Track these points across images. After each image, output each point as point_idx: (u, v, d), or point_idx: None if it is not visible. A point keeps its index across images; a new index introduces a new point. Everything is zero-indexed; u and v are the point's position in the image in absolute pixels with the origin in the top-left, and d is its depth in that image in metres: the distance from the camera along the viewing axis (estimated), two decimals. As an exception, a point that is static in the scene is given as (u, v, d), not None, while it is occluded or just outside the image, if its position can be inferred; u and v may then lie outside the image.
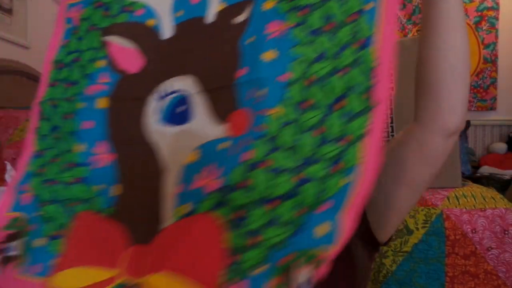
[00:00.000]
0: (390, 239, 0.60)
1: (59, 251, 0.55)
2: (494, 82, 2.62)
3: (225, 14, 0.56)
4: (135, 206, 0.53)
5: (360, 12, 0.45)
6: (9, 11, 1.79)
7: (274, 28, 0.49)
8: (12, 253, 0.58)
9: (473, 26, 2.61)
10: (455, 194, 0.84)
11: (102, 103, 0.59)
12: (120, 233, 0.51)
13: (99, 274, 0.50)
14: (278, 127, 0.44)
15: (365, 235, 0.56)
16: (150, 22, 0.61)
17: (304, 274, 0.39)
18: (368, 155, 0.41)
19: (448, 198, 0.83)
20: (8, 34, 1.77)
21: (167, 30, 0.60)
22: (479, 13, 2.61)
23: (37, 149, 0.63)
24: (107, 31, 0.63)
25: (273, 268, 0.42)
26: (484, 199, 0.83)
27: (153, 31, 0.61)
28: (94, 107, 0.60)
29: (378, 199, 0.54)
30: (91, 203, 0.56)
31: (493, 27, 2.60)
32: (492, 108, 2.66)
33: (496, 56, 2.60)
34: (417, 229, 0.83)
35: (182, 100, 0.54)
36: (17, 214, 0.61)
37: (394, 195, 0.55)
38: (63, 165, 0.60)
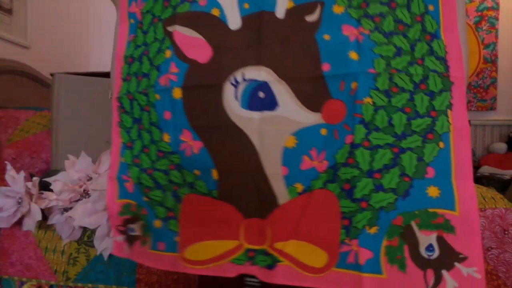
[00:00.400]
0: None
1: (177, 230, 0.62)
2: (494, 82, 2.62)
3: (296, 12, 0.58)
4: (238, 187, 0.58)
5: (424, 13, 0.53)
6: (9, 11, 1.79)
7: (349, 31, 0.54)
8: (134, 233, 0.66)
9: (473, 26, 2.61)
10: (455, 194, 0.84)
11: (176, 93, 0.60)
12: (232, 211, 0.58)
13: (225, 244, 0.58)
14: (372, 113, 0.51)
15: None
16: (215, 12, 0.60)
17: (429, 237, 0.45)
18: (454, 123, 0.49)
19: (448, 198, 0.83)
20: (8, 34, 1.77)
21: (234, 21, 0.60)
22: (479, 13, 2.61)
23: (124, 141, 0.67)
24: (170, 21, 0.63)
25: (385, 230, 0.50)
26: (484, 199, 0.82)
27: (220, 21, 0.60)
28: (169, 97, 0.61)
29: None
30: (195, 187, 0.61)
31: (493, 27, 2.59)
32: (492, 108, 2.65)
33: (496, 56, 2.60)
34: (417, 229, 0.83)
35: (260, 87, 0.56)
36: (126, 201, 0.67)
37: None
38: (154, 154, 0.64)
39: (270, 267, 0.56)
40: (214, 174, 0.58)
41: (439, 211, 0.47)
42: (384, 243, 0.50)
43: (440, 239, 0.46)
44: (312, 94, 0.54)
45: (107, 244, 0.81)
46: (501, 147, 2.58)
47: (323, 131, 0.53)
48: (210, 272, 0.58)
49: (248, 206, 0.57)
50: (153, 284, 0.83)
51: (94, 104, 1.00)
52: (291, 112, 0.54)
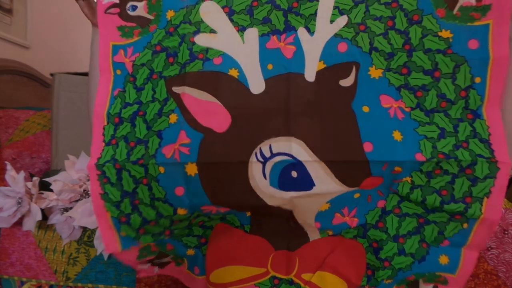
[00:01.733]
0: None
1: (206, 254, 0.61)
2: (494, 82, 2.62)
3: (329, 75, 0.51)
4: (271, 225, 0.57)
5: (470, 87, 0.49)
6: (9, 11, 1.79)
7: (389, 103, 0.50)
8: (164, 260, 0.62)
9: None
10: (455, 194, 0.84)
11: (190, 170, 0.51)
12: (263, 243, 0.57)
13: (251, 270, 0.58)
14: (407, 192, 0.51)
15: None
16: (233, 72, 0.52)
17: (429, 286, 0.54)
18: (487, 214, 0.49)
19: (448, 198, 0.83)
20: (8, 34, 1.76)
21: (257, 84, 0.52)
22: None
23: (113, 216, 0.55)
24: (177, 81, 0.53)
25: (397, 281, 0.55)
26: (484, 199, 0.82)
27: (240, 84, 0.52)
28: (181, 173, 0.52)
29: None
30: (227, 218, 0.59)
31: (493, 27, 2.60)
32: (492, 108, 2.66)
33: (496, 56, 2.60)
34: (417, 229, 0.83)
35: (292, 166, 0.50)
36: (140, 245, 0.57)
37: None
38: (168, 223, 0.55)
39: None
40: (247, 212, 0.58)
41: (443, 274, 0.53)
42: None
43: None
44: (353, 175, 0.51)
45: (107, 244, 0.81)
46: (501, 147, 2.58)
47: (356, 195, 0.53)
48: None
49: (279, 240, 0.57)
50: (153, 284, 0.83)
51: (94, 104, 1.00)
52: (328, 188, 0.51)
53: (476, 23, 0.49)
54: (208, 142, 0.51)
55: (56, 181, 0.83)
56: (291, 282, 0.56)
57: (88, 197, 0.82)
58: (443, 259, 0.52)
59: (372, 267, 0.56)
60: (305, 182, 0.50)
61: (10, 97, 1.60)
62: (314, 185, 0.50)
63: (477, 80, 0.49)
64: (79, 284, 0.85)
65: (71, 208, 0.82)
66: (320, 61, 0.52)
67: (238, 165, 0.51)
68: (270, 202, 0.52)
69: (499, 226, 0.79)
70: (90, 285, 0.85)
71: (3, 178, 0.87)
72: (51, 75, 1.01)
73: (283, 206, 0.53)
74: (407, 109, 0.50)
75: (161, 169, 0.52)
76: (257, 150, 0.50)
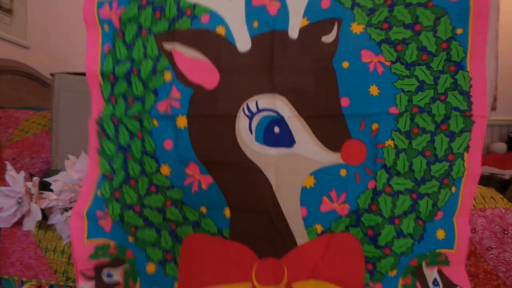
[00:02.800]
0: None
1: (176, 275, 0.55)
2: (494, 82, 2.62)
3: (312, 31, 0.53)
4: (253, 226, 0.54)
5: (451, 38, 0.50)
6: (9, 11, 1.79)
7: (369, 57, 0.51)
8: (110, 279, 0.56)
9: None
10: (455, 194, 0.84)
11: (180, 122, 0.54)
12: (245, 251, 0.54)
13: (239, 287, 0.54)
14: (394, 158, 0.51)
15: None
16: (221, 30, 0.54)
17: (433, 272, 0.52)
18: (469, 168, 0.50)
19: (448, 198, 0.83)
20: (8, 34, 1.77)
21: (243, 42, 0.54)
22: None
23: (103, 171, 0.58)
24: (167, 37, 0.55)
25: (402, 271, 0.52)
26: (484, 199, 0.82)
27: (228, 42, 0.54)
28: (172, 126, 0.54)
29: None
30: (201, 225, 0.55)
31: (493, 27, 2.60)
32: (492, 108, 2.65)
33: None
34: (417, 229, 0.83)
35: (277, 121, 0.52)
36: (100, 240, 0.57)
37: None
38: (145, 188, 0.55)
39: None
40: (226, 212, 0.55)
41: (443, 251, 0.53)
42: (401, 281, 0.53)
43: (440, 273, 0.53)
44: (330, 133, 0.52)
45: (107, 244, 0.80)
46: (501, 147, 2.58)
47: (343, 172, 0.52)
48: None
49: (263, 246, 0.55)
50: (153, 284, 0.83)
51: (94, 104, 1.00)
52: (309, 150, 0.52)
53: None
54: (197, 97, 0.54)
55: (56, 181, 0.83)
56: None
57: (88, 197, 0.82)
58: (440, 234, 0.53)
59: (372, 259, 0.53)
60: (286, 138, 0.52)
61: (10, 97, 1.60)
62: (294, 142, 0.52)
63: (459, 31, 0.50)
64: (79, 284, 0.85)
65: (71, 208, 0.82)
66: (303, 17, 0.53)
67: (226, 118, 0.53)
68: (254, 158, 0.52)
69: (499, 226, 0.79)
70: (90, 285, 0.84)
71: (3, 178, 0.87)
72: (51, 75, 1.01)
73: (267, 170, 0.52)
74: (387, 63, 0.51)
75: (155, 122, 0.55)
76: (244, 105, 0.53)
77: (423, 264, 0.53)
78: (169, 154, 0.54)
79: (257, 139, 0.53)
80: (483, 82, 0.50)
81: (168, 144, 0.54)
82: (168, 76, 0.54)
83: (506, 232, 0.78)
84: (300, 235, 0.54)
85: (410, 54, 0.51)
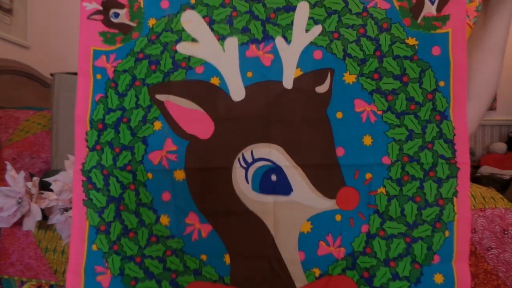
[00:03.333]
0: None
1: None
2: (494, 82, 2.62)
3: (306, 81, 0.55)
4: (253, 271, 0.56)
5: (435, 90, 0.54)
6: (9, 11, 1.79)
7: (362, 107, 0.54)
8: None
9: (473, 26, 2.61)
10: (455, 194, 0.84)
11: (178, 175, 0.55)
12: None
13: None
14: (386, 204, 0.54)
15: None
16: (215, 81, 0.56)
17: None
18: (459, 212, 0.52)
19: (448, 198, 0.83)
20: (8, 34, 1.77)
21: (237, 92, 0.55)
22: (479, 13, 2.61)
23: (93, 224, 0.56)
24: (161, 89, 0.56)
25: None
26: (484, 199, 0.82)
27: (222, 91, 0.55)
28: (169, 179, 0.55)
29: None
30: (203, 274, 0.55)
31: (493, 27, 2.60)
32: (492, 108, 2.65)
33: (496, 56, 2.60)
34: (417, 229, 0.83)
35: (272, 170, 0.54)
36: None
37: (479, 62, 0.61)
38: (145, 239, 0.56)
39: None
40: (226, 258, 0.56)
41: None
42: None
43: None
44: (327, 181, 0.54)
45: (107, 244, 0.81)
46: (501, 147, 2.58)
47: (338, 217, 0.54)
48: None
49: None
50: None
51: (94, 104, 1.00)
52: (306, 197, 0.54)
53: (438, 31, 0.54)
54: (193, 149, 0.55)
55: (56, 181, 0.83)
56: None
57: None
58: (438, 278, 0.53)
59: None
60: (283, 186, 0.54)
61: (10, 97, 1.60)
62: (292, 190, 0.54)
63: (441, 83, 0.54)
64: (79, 284, 0.85)
65: (71, 208, 0.82)
66: (297, 68, 0.55)
67: (222, 170, 0.54)
68: (252, 207, 0.54)
69: (499, 226, 0.79)
70: None
71: (3, 178, 0.87)
72: (51, 75, 1.01)
73: (266, 217, 0.54)
74: (379, 112, 0.54)
75: (149, 175, 0.55)
76: (239, 155, 0.54)
77: None
78: (168, 205, 0.56)
79: (253, 188, 0.54)
80: (465, 131, 0.53)
81: (166, 196, 0.55)
82: (158, 125, 0.56)
83: (506, 232, 0.78)
84: (299, 279, 0.55)
85: (400, 103, 0.54)
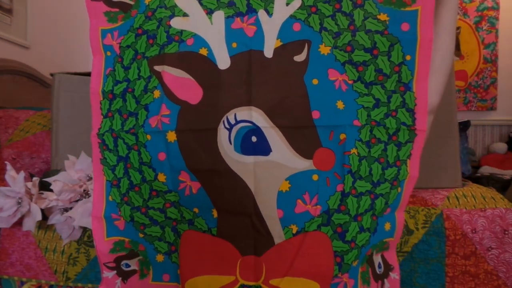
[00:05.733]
0: None
1: (178, 263, 0.64)
2: (494, 82, 2.62)
3: (284, 51, 0.59)
4: (236, 227, 0.61)
5: (402, 63, 0.58)
6: (9, 11, 1.79)
7: (335, 76, 0.59)
8: (128, 268, 0.67)
9: (473, 26, 2.61)
10: (455, 194, 0.84)
11: (170, 137, 0.61)
12: (230, 248, 0.60)
13: (221, 279, 0.61)
14: (357, 164, 0.58)
15: None
16: (203, 51, 0.60)
17: (378, 257, 0.60)
18: (410, 171, 0.59)
19: (448, 198, 0.83)
20: (8, 34, 1.77)
21: (223, 61, 0.59)
22: (479, 13, 2.61)
23: (108, 179, 0.66)
24: (158, 61, 0.62)
25: (361, 260, 0.60)
26: (484, 199, 0.82)
27: (209, 61, 0.60)
28: (163, 140, 0.61)
29: None
30: (195, 224, 0.63)
31: (493, 27, 2.59)
32: (492, 108, 2.65)
33: (496, 56, 2.60)
34: (417, 229, 0.83)
35: (253, 131, 0.58)
36: (117, 238, 0.67)
37: None
38: (147, 193, 0.64)
39: None
40: (214, 212, 0.61)
41: (387, 239, 0.61)
42: (360, 270, 0.60)
43: (382, 257, 0.60)
44: (304, 142, 0.58)
45: (107, 244, 0.81)
46: (501, 147, 2.58)
47: (315, 177, 0.58)
48: None
49: (245, 245, 0.61)
50: (153, 284, 0.83)
51: (94, 104, 1.00)
52: (285, 157, 0.58)
53: (408, 9, 0.57)
54: (184, 112, 0.60)
55: (56, 181, 0.83)
56: None
57: (88, 197, 0.82)
58: (387, 226, 0.60)
59: (340, 253, 0.59)
60: (263, 147, 0.58)
61: (10, 97, 1.60)
62: (271, 150, 0.58)
63: (408, 57, 0.58)
64: (79, 284, 0.85)
65: (71, 208, 0.82)
66: (277, 39, 0.59)
67: (209, 132, 0.59)
68: (234, 167, 0.58)
69: (500, 226, 0.79)
70: (90, 285, 0.85)
71: (3, 178, 0.87)
72: (51, 75, 1.01)
73: (246, 177, 0.58)
74: (350, 82, 0.59)
75: (148, 137, 0.62)
76: (224, 118, 0.58)
77: (374, 253, 0.60)
78: (163, 164, 0.62)
79: (235, 149, 0.58)
80: (425, 102, 0.58)
81: (162, 156, 0.61)
82: (157, 94, 0.61)
83: (506, 232, 0.78)
84: (278, 235, 0.59)
85: (369, 74, 0.58)
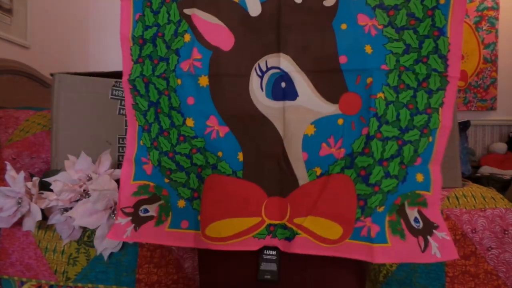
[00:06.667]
0: None
1: (200, 209, 0.64)
2: (494, 82, 2.62)
3: None
4: (262, 168, 0.62)
5: (435, 7, 0.57)
6: (9, 11, 1.79)
7: (365, 21, 0.58)
8: (146, 214, 0.67)
9: (473, 26, 2.61)
10: (455, 194, 0.84)
11: (202, 81, 0.62)
12: (256, 189, 0.62)
13: (248, 221, 0.62)
14: (384, 108, 0.58)
15: None
16: None
17: (414, 211, 0.58)
18: (442, 121, 0.58)
19: (448, 198, 0.83)
20: (8, 34, 1.76)
21: (254, 8, 0.60)
22: (479, 13, 2.61)
23: (140, 124, 0.67)
24: (187, 3, 0.62)
25: (388, 208, 0.59)
26: (484, 199, 0.82)
27: (241, 8, 0.61)
28: (195, 84, 0.62)
29: None
30: (218, 168, 0.64)
31: (493, 27, 2.59)
32: (492, 108, 2.65)
33: (496, 56, 2.59)
34: (417, 229, 0.83)
35: (282, 77, 0.59)
36: (142, 182, 0.67)
37: None
38: (175, 138, 0.65)
39: (289, 239, 0.61)
40: (240, 156, 0.62)
41: (422, 192, 0.59)
42: (387, 218, 0.60)
43: (420, 213, 0.59)
44: (330, 86, 0.58)
45: (107, 244, 0.80)
46: (501, 147, 2.58)
47: (340, 121, 0.59)
48: (233, 247, 0.62)
49: (271, 186, 0.62)
50: (153, 284, 0.83)
51: (94, 104, 1.00)
52: (311, 102, 0.58)
53: None
54: (217, 58, 0.61)
55: (56, 181, 0.83)
56: (284, 226, 0.61)
57: (87, 197, 0.82)
58: (419, 177, 0.59)
59: (363, 196, 0.60)
60: (291, 92, 0.59)
61: (10, 97, 1.60)
62: (297, 95, 0.59)
63: (442, 1, 0.57)
64: (79, 284, 0.85)
65: (71, 208, 0.82)
66: None
67: (241, 77, 0.60)
68: (265, 112, 0.60)
69: (500, 226, 0.79)
70: (90, 285, 0.85)
71: (3, 178, 0.87)
72: (51, 75, 1.01)
73: (276, 121, 0.60)
74: (380, 27, 0.58)
75: (179, 81, 0.62)
76: (256, 65, 0.60)
77: (406, 204, 0.59)
78: (193, 109, 0.63)
79: (267, 95, 0.60)
80: (459, 47, 0.57)
81: (191, 100, 0.62)
82: (187, 37, 0.62)
83: (506, 232, 0.78)
84: (302, 177, 0.61)
85: (401, 19, 0.58)
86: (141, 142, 0.67)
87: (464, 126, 1.61)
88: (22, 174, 0.84)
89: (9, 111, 1.31)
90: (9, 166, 0.87)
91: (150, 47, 0.65)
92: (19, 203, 0.83)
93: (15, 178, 0.85)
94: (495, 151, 2.60)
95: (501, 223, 0.78)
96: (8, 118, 1.26)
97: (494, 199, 0.82)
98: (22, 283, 0.87)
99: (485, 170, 2.28)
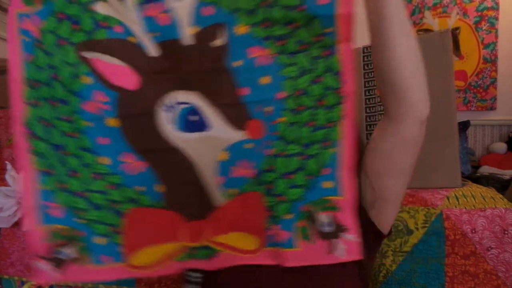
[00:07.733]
0: (391, 232, 0.71)
1: (122, 242, 0.65)
2: (494, 82, 2.61)
3: (201, 37, 0.61)
4: (182, 196, 0.65)
5: (323, 34, 0.59)
6: (9, 11, 1.79)
7: (257, 53, 0.61)
8: (65, 257, 0.65)
9: (473, 26, 2.61)
10: (455, 194, 0.84)
11: (113, 122, 0.62)
12: (176, 217, 0.64)
13: (168, 247, 0.65)
14: (286, 130, 0.62)
15: (369, 228, 0.67)
16: (132, 39, 0.61)
17: (324, 216, 0.62)
18: (345, 132, 0.61)
19: (448, 198, 0.83)
20: (8, 34, 1.76)
21: (151, 48, 0.61)
22: (479, 13, 2.61)
23: (39, 169, 0.64)
24: (86, 47, 0.62)
25: (297, 215, 0.63)
26: (484, 199, 0.83)
27: (140, 48, 0.61)
28: (105, 126, 0.62)
29: (374, 196, 0.67)
30: (138, 201, 0.65)
31: (493, 27, 2.59)
32: (492, 108, 2.65)
33: (496, 56, 2.59)
34: (417, 229, 0.83)
35: (192, 111, 0.62)
36: (53, 226, 0.65)
37: (386, 188, 0.66)
38: (88, 177, 0.64)
39: (211, 257, 0.65)
40: (159, 188, 0.64)
41: (332, 198, 0.63)
42: (297, 224, 0.63)
43: (333, 217, 0.62)
44: (237, 116, 0.62)
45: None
46: (501, 147, 2.58)
47: (249, 145, 0.63)
48: (158, 273, 0.65)
49: (191, 211, 0.65)
50: (153, 284, 0.83)
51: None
52: (223, 131, 0.62)
53: None
54: (124, 98, 0.62)
55: (56, 181, 0.83)
56: (206, 247, 0.65)
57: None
58: (328, 184, 0.63)
59: (270, 207, 0.64)
60: (203, 124, 0.62)
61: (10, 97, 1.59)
62: (210, 126, 0.62)
63: (328, 30, 0.59)
64: (79, 284, 0.85)
65: (71, 208, 0.82)
66: (194, 25, 0.61)
67: (150, 115, 0.62)
68: (177, 144, 0.62)
69: (499, 226, 0.79)
70: (90, 285, 0.85)
71: (3, 178, 0.87)
72: (51, 75, 1.00)
73: (188, 151, 0.63)
74: (274, 55, 0.61)
75: (88, 123, 0.62)
76: (164, 101, 0.61)
77: (316, 210, 0.63)
78: (107, 148, 0.63)
79: (179, 128, 0.62)
80: (350, 62, 0.59)
81: (104, 140, 0.63)
82: (87, 80, 0.61)
83: (506, 232, 0.78)
84: (220, 199, 0.64)
85: (292, 46, 0.60)
86: (41, 187, 0.65)
87: (464, 126, 1.61)
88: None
89: (9, 111, 1.31)
90: (9, 166, 0.87)
91: (46, 89, 0.63)
92: (19, 203, 0.83)
93: (15, 178, 0.85)
94: (495, 151, 2.60)
95: (501, 223, 0.78)
96: (8, 118, 1.26)
97: (494, 199, 0.82)
98: (22, 283, 0.87)
99: (485, 170, 2.28)
